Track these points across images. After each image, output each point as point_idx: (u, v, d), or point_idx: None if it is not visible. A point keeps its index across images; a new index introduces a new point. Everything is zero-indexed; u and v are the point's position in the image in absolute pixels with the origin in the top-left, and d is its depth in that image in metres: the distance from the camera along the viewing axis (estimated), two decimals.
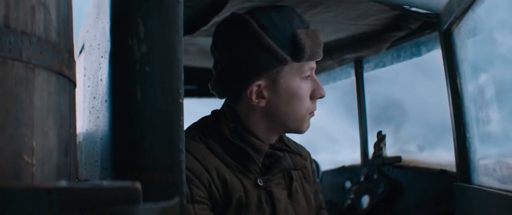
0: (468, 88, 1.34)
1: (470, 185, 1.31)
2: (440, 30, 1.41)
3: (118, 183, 0.50)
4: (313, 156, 1.43)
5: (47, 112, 0.71)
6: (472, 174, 1.32)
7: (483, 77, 1.30)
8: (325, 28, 1.77)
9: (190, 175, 1.09)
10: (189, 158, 1.12)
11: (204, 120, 1.26)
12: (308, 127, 1.21)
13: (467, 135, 1.34)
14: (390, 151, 2.20)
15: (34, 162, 0.67)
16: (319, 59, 1.17)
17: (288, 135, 1.33)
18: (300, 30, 1.12)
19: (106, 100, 0.93)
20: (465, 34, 1.28)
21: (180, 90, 0.89)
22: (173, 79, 0.88)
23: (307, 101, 1.17)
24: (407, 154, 2.13)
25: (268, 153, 1.21)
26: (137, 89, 0.85)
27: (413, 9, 1.37)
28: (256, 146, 1.17)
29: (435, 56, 1.69)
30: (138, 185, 0.51)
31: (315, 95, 1.18)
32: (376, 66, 2.29)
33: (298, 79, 1.15)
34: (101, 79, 1.01)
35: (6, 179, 0.62)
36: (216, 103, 1.36)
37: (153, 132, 0.85)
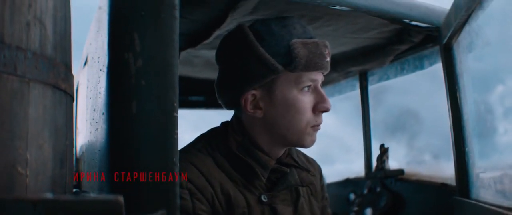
0: (468, 102, 1.34)
1: (468, 200, 1.30)
2: (440, 44, 1.42)
3: (101, 196, 0.52)
4: (328, 166, 1.42)
5: (42, 125, 0.73)
6: (471, 189, 1.32)
7: (481, 92, 1.30)
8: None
9: (194, 189, 1.08)
10: (194, 171, 1.11)
11: (213, 131, 1.24)
12: (312, 141, 1.17)
13: (466, 149, 1.34)
14: (404, 160, 2.20)
15: (28, 173, 0.68)
16: (319, 70, 1.14)
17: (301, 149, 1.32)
18: (297, 39, 1.11)
19: (103, 113, 0.95)
20: (463, 48, 1.28)
21: (175, 104, 0.90)
22: (168, 93, 0.90)
23: (308, 114, 1.13)
24: (421, 164, 2.13)
25: (274, 168, 1.18)
26: (133, 103, 0.87)
27: (414, 23, 1.38)
28: (262, 161, 1.15)
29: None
30: (120, 198, 0.52)
31: (317, 109, 1.14)
32: (380, 79, 2.29)
33: (295, 90, 1.12)
34: (99, 92, 1.03)
35: (1, 190, 0.63)
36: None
37: (148, 145, 0.87)
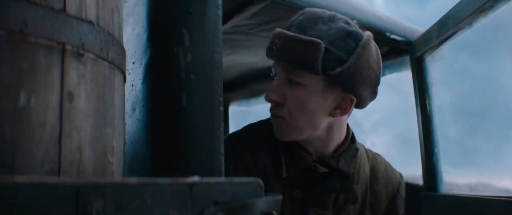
0: (436, 109, 1.53)
1: (436, 193, 1.48)
2: (412, 56, 1.60)
3: (245, 178, 0.55)
4: None
5: (120, 112, 0.73)
6: (438, 185, 1.50)
7: (447, 101, 1.49)
8: None
9: (239, 166, 1.11)
10: (244, 147, 1.14)
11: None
12: (278, 132, 1.13)
13: (435, 150, 1.52)
14: None
15: (113, 161, 0.68)
16: (270, 58, 1.13)
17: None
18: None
19: (143, 105, 0.94)
20: (437, 62, 1.47)
21: (221, 99, 0.94)
22: (215, 88, 0.93)
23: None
24: None
25: (311, 166, 1.13)
26: (183, 96, 0.89)
27: (393, 36, 1.54)
28: (296, 154, 1.13)
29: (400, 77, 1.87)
30: (260, 180, 0.56)
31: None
32: None
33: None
34: (132, 84, 1.01)
35: (96, 177, 0.63)
36: None
37: (197, 137, 0.89)
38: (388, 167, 1.30)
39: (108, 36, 0.68)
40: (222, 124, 0.93)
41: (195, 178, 0.53)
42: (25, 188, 0.43)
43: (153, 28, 0.94)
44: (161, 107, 0.91)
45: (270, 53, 1.12)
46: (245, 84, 2.54)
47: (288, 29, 1.09)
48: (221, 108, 0.93)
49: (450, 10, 1.34)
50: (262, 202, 0.55)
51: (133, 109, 1.01)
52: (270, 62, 2.26)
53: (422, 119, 1.55)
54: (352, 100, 1.11)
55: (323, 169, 1.12)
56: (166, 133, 0.89)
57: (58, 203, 0.45)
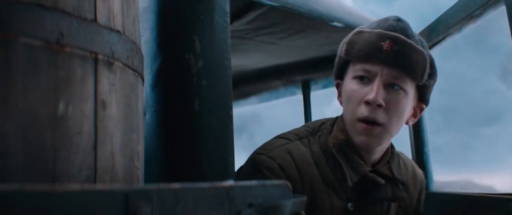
0: (426, 111, 1.59)
1: (428, 191, 1.54)
2: None
3: (274, 182, 0.58)
4: None
5: (142, 118, 0.75)
6: (429, 183, 1.56)
7: (435, 104, 1.56)
8: (291, 52, 1.92)
9: (283, 177, 1.05)
10: (288, 160, 1.08)
11: (321, 123, 1.21)
12: (369, 138, 1.07)
13: (425, 149, 1.58)
14: None
15: (138, 166, 0.70)
16: (384, 63, 1.04)
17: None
18: (358, 29, 1.10)
19: (155, 110, 0.96)
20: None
21: (231, 103, 0.96)
22: (225, 93, 0.95)
23: (355, 104, 1.08)
24: None
25: (369, 177, 1.10)
26: (195, 101, 0.91)
27: None
28: (354, 163, 1.10)
29: None
30: (288, 182, 0.59)
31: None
32: (325, 86, 2.50)
33: (351, 78, 1.10)
34: None
35: (125, 182, 0.65)
36: None
37: (209, 141, 0.91)
38: (413, 165, 1.32)
39: (132, 45, 0.69)
40: (233, 127, 0.95)
41: (231, 182, 0.55)
42: (78, 195, 0.45)
43: (163, 35, 0.95)
44: (174, 111, 0.92)
45: (378, 56, 1.04)
46: (234, 86, 2.55)
47: (394, 32, 1.05)
48: (231, 112, 0.96)
49: (440, 16, 1.40)
50: (291, 203, 0.58)
51: (144, 114, 1.03)
52: (259, 64, 2.28)
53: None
54: (422, 109, 1.17)
55: (380, 180, 1.11)
56: (179, 136, 0.91)
57: (109, 209, 0.46)
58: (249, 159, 1.12)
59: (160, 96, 0.95)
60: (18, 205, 0.42)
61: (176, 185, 0.51)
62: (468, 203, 1.32)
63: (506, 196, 1.14)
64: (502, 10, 1.10)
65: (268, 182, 0.58)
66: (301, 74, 2.41)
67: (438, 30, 1.41)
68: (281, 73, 2.38)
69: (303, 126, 1.21)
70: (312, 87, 2.56)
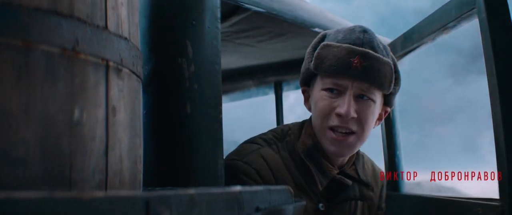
0: (398, 115, 1.66)
1: (399, 193, 1.61)
2: None
3: (278, 187, 0.62)
4: None
5: (141, 123, 0.76)
6: (400, 185, 1.63)
7: (406, 109, 1.64)
8: (266, 54, 1.96)
9: (260, 181, 1.10)
10: (263, 164, 1.13)
11: (288, 128, 1.25)
12: (343, 148, 1.14)
13: (397, 152, 1.66)
14: None
15: (141, 169, 0.72)
16: (354, 78, 1.09)
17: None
18: (325, 43, 1.12)
19: (146, 113, 0.97)
20: (401, 72, 1.60)
21: (220, 107, 0.99)
22: (215, 97, 0.98)
23: (326, 115, 1.13)
24: None
25: (337, 179, 1.18)
26: (187, 104, 0.93)
27: None
28: (323, 167, 1.16)
29: None
30: (289, 187, 0.63)
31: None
32: (297, 87, 2.55)
33: (319, 90, 1.14)
34: None
35: (130, 185, 0.66)
36: None
37: (201, 144, 0.94)
38: (373, 163, 1.42)
39: (137, 51, 0.71)
40: (222, 131, 0.98)
41: (239, 188, 0.58)
42: (103, 202, 0.47)
43: (156, 39, 0.97)
44: (166, 114, 0.94)
45: (348, 72, 1.08)
46: None
47: (361, 47, 1.09)
48: (221, 116, 0.98)
49: (415, 25, 1.47)
50: (292, 207, 0.62)
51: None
52: (232, 65, 2.30)
53: (385, 122, 1.68)
54: (387, 112, 1.25)
55: (347, 181, 1.18)
56: (171, 139, 0.93)
57: None
58: None
59: (152, 100, 0.96)
60: (47, 212, 0.44)
61: (192, 190, 0.53)
62: (437, 206, 1.40)
63: (475, 200, 1.21)
64: (474, 23, 1.17)
65: (273, 187, 0.61)
66: (274, 76, 2.46)
67: (412, 39, 1.48)
68: (253, 74, 2.42)
69: (270, 130, 1.27)
70: (285, 88, 2.61)
